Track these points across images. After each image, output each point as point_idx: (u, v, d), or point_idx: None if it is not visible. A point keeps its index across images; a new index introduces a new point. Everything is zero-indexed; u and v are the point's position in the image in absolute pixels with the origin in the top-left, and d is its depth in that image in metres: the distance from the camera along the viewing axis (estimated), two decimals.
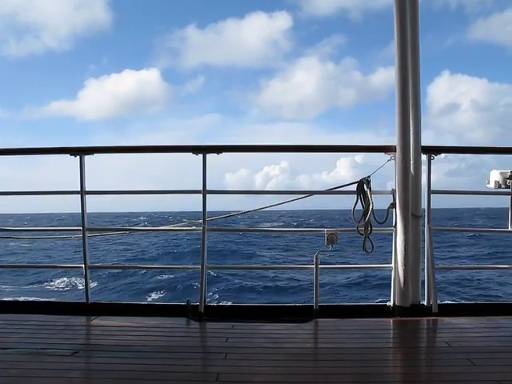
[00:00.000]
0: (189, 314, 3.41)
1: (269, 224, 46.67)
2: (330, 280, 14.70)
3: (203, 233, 3.48)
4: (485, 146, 5.06)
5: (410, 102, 3.36)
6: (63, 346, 2.76)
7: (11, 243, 25.09)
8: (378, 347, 2.86)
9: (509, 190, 3.55)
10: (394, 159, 3.41)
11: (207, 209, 3.50)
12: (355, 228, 3.45)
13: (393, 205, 3.44)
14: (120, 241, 28.25)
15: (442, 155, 3.54)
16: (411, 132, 3.38)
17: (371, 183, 3.41)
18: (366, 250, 3.42)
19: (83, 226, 3.55)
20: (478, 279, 15.09)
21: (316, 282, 3.49)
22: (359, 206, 3.44)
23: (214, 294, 13.84)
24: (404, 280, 3.38)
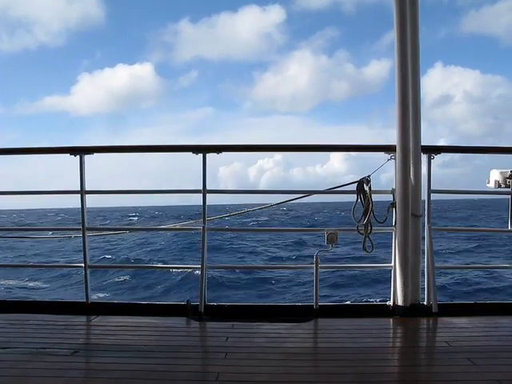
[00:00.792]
0: (189, 314, 3.41)
1: (267, 218, 46.65)
2: (329, 280, 14.69)
3: (203, 232, 3.48)
4: (484, 146, 5.06)
5: (410, 102, 3.36)
6: (63, 346, 2.76)
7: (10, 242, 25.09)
8: (378, 347, 2.85)
9: (509, 190, 3.55)
10: (394, 159, 3.42)
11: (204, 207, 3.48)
12: (355, 228, 3.45)
13: (393, 204, 3.44)
14: (120, 240, 28.23)
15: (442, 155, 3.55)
16: (411, 132, 3.37)
17: (371, 183, 3.42)
18: (366, 250, 3.42)
19: (83, 226, 3.56)
20: (476, 280, 15.06)
21: (316, 281, 3.49)
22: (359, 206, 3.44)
23: (213, 293, 13.83)
24: (404, 280, 3.38)
